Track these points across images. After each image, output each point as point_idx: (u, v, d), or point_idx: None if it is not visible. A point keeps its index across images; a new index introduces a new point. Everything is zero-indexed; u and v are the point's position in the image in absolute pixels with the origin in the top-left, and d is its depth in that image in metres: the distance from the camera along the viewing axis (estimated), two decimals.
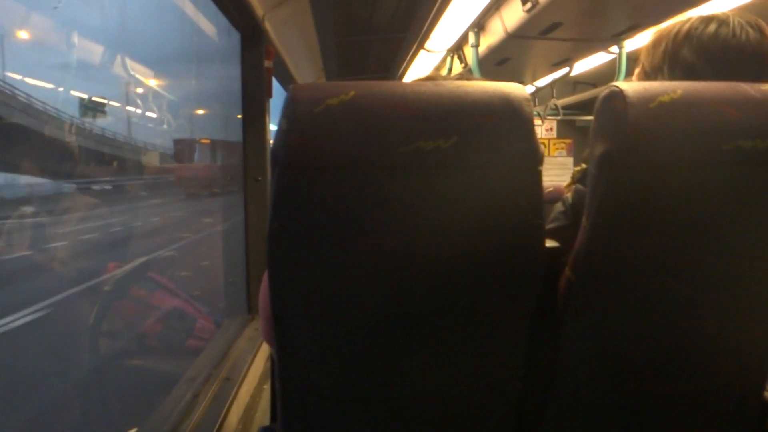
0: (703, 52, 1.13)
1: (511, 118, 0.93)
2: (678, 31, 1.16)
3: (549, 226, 1.19)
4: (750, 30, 1.14)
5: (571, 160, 5.33)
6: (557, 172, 5.07)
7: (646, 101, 0.92)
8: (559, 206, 1.25)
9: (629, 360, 1.11)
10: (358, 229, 0.97)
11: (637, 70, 1.27)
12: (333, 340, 1.07)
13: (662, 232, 0.99)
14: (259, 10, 2.91)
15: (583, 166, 1.23)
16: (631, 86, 0.94)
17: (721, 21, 1.14)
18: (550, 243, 1.05)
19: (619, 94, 0.93)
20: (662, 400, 1.14)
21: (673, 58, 1.16)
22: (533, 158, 0.95)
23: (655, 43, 1.20)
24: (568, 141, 5.33)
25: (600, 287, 1.04)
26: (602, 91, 0.98)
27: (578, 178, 1.24)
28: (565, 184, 1.33)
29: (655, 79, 1.17)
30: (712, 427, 1.16)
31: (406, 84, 0.94)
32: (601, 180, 0.96)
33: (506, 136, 0.93)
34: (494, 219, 0.97)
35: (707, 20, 1.15)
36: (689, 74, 1.12)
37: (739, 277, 1.03)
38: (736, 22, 1.14)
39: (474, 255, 0.99)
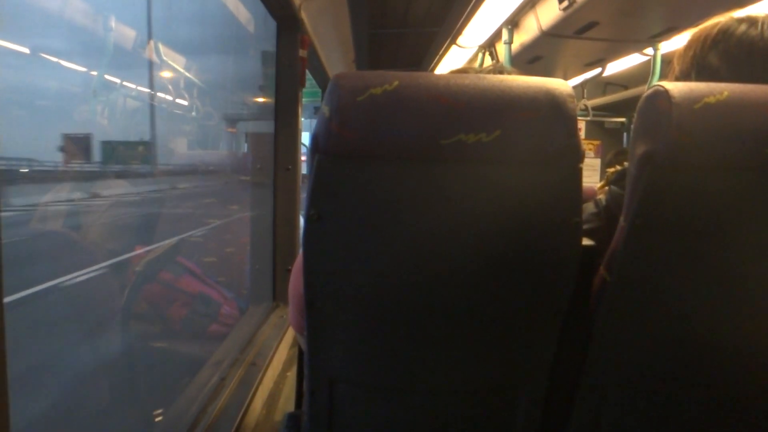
0: (729, 56, 1.11)
1: (555, 114, 0.93)
2: (707, 36, 1.15)
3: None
4: None
5: (599, 161, 5.30)
6: (584, 173, 5.02)
7: (691, 102, 0.91)
8: (590, 207, 1.25)
9: (660, 362, 1.10)
10: (395, 218, 0.97)
11: (670, 74, 1.26)
12: (364, 329, 1.08)
13: (702, 234, 0.98)
14: None
15: (618, 167, 1.22)
16: (676, 86, 0.93)
17: (751, 22, 1.12)
18: (585, 241, 1.06)
19: (664, 94, 0.93)
20: (693, 405, 1.13)
21: (701, 63, 1.15)
22: (575, 155, 0.95)
23: (687, 48, 1.19)
24: (596, 142, 5.29)
25: (635, 287, 1.04)
26: (640, 92, 0.98)
27: (613, 180, 1.23)
28: (597, 185, 1.33)
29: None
30: (745, 430, 1.15)
31: (449, 76, 0.94)
32: (641, 180, 0.96)
33: (549, 132, 0.93)
34: (532, 214, 0.97)
35: (738, 21, 1.13)
36: (715, 80, 1.11)
37: None
38: (766, 24, 1.12)
39: (510, 250, 0.99)
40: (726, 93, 0.92)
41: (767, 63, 1.10)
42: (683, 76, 1.18)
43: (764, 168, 0.93)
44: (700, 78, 1.14)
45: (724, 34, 1.13)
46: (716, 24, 1.16)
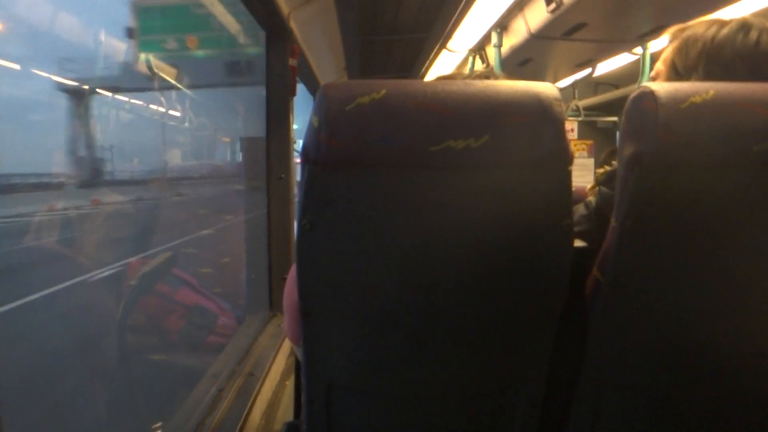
0: (745, 59, 1.11)
1: (542, 118, 0.93)
2: (716, 34, 1.14)
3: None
4: None
5: (592, 161, 5.31)
6: (578, 173, 5.01)
7: (677, 102, 0.91)
8: (581, 209, 1.25)
9: (656, 361, 1.10)
10: (387, 226, 0.97)
11: (659, 69, 1.24)
12: (359, 336, 1.08)
13: (693, 233, 0.98)
14: (284, 8, 2.93)
15: (606, 168, 1.22)
16: (662, 87, 0.93)
17: (761, 29, 1.12)
18: (577, 243, 1.06)
19: (650, 95, 0.93)
20: (690, 403, 1.13)
21: (712, 58, 1.14)
22: (563, 158, 0.95)
23: (689, 43, 1.18)
24: (589, 142, 5.30)
25: (628, 288, 1.04)
26: (631, 91, 0.98)
27: (602, 181, 1.23)
28: (588, 186, 1.33)
29: (688, 78, 1.15)
30: (741, 430, 1.16)
31: (437, 83, 0.95)
32: (630, 181, 0.96)
33: (536, 136, 0.93)
34: (523, 218, 0.97)
35: (746, 27, 1.13)
36: (728, 76, 1.11)
37: None
38: None
39: (502, 253, 0.99)
40: (712, 92, 0.92)
41: None
42: (687, 71, 1.17)
43: (753, 166, 0.93)
44: (709, 72, 1.14)
45: (737, 36, 1.13)
46: (722, 24, 1.16)
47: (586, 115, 4.80)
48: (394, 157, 0.93)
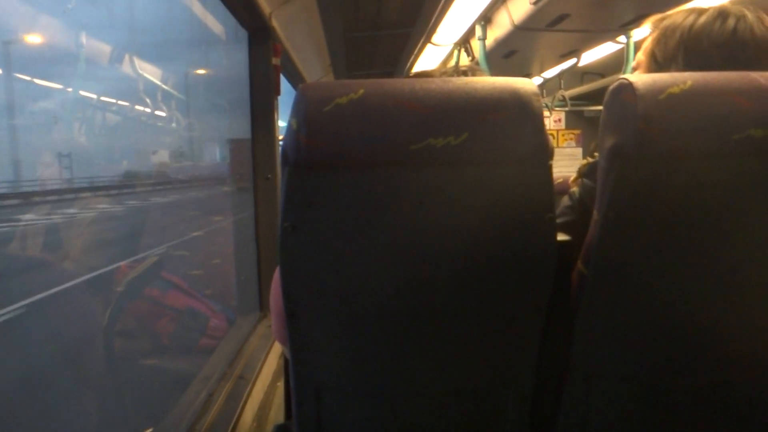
0: (722, 47, 1.11)
1: (521, 113, 0.93)
2: (693, 23, 1.15)
3: (557, 220, 1.20)
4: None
5: (580, 150, 5.34)
6: (566, 163, 5.08)
7: (655, 93, 0.91)
8: (565, 200, 1.25)
9: (643, 353, 1.11)
10: (369, 226, 0.97)
11: (640, 59, 1.25)
12: (346, 337, 1.07)
13: (674, 224, 0.98)
14: (265, 8, 2.92)
15: (589, 159, 1.22)
16: (640, 78, 0.93)
17: (738, 17, 1.12)
18: (561, 237, 1.05)
19: (629, 87, 0.93)
20: (677, 393, 1.14)
21: (690, 48, 1.14)
22: (543, 153, 0.95)
23: (667, 33, 1.18)
24: (576, 132, 5.33)
25: (612, 280, 1.04)
26: (611, 82, 0.98)
27: (585, 173, 1.23)
28: (573, 177, 1.33)
29: (668, 69, 1.16)
30: (728, 420, 1.16)
31: (415, 81, 0.94)
32: (611, 173, 0.96)
33: (516, 131, 0.93)
34: (505, 214, 0.97)
35: (724, 15, 1.13)
36: (705, 66, 1.11)
37: (752, 268, 1.03)
38: (753, 18, 1.12)
39: (486, 250, 0.99)
40: (690, 82, 0.92)
41: (759, 57, 1.10)
42: (667, 62, 1.17)
43: (732, 155, 0.93)
44: (688, 62, 1.14)
45: (714, 24, 1.13)
46: (699, 12, 1.16)
47: (573, 105, 4.81)
48: (375, 156, 0.92)
